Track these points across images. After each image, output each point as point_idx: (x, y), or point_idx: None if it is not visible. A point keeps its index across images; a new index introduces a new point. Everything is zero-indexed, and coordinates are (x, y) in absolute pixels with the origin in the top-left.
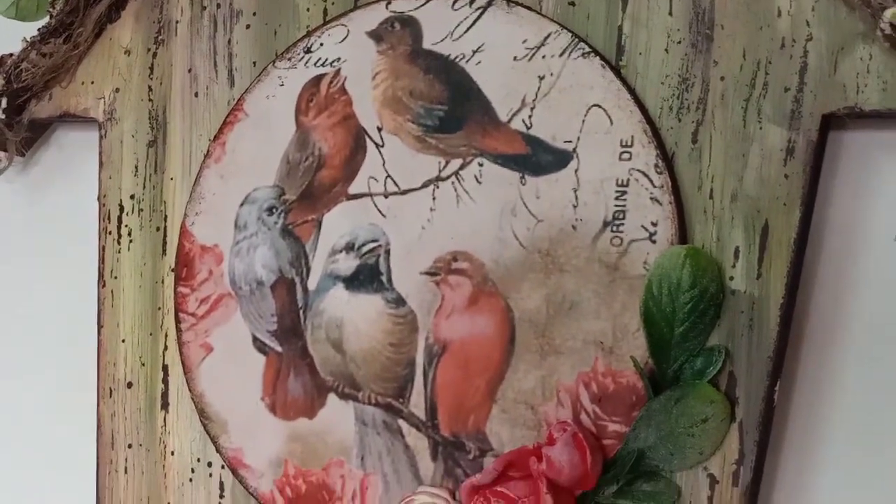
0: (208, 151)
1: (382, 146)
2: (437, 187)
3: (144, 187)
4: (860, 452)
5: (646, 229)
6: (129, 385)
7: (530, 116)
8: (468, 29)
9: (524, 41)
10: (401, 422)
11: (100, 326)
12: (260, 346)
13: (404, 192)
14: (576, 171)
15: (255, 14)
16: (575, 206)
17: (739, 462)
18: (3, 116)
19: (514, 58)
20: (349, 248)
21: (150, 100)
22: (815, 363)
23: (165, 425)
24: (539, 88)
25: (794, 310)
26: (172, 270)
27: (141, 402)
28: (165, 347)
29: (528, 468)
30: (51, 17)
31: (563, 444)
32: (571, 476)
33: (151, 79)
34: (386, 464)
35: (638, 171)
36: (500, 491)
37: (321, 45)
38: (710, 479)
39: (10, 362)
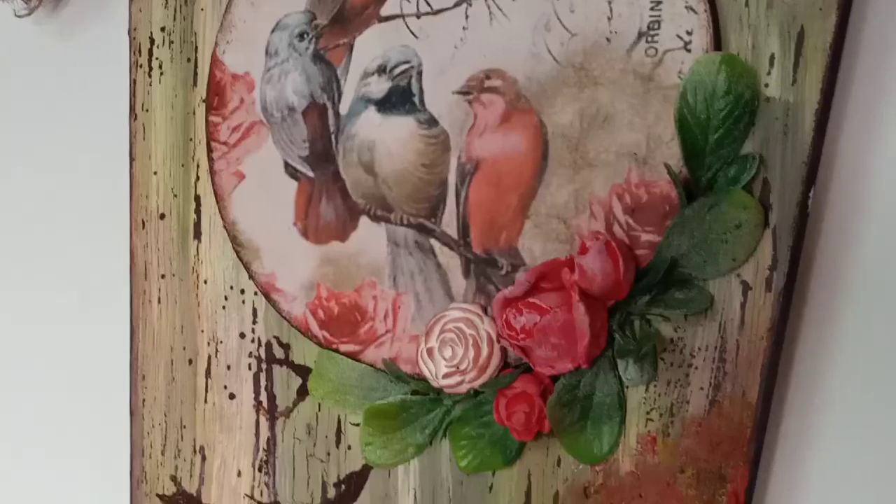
0: None
1: None
2: (470, 5)
3: (175, 19)
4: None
5: (681, 38)
6: (162, 216)
7: None
8: None
9: None
10: (433, 241)
11: (132, 159)
12: (292, 172)
13: (436, 12)
14: None
15: None
16: (609, 19)
17: (773, 268)
18: None
19: None
20: (381, 70)
21: None
22: (849, 172)
23: (198, 254)
24: None
25: (829, 116)
26: (203, 101)
27: (174, 233)
28: (197, 178)
29: (561, 279)
30: None
31: (595, 252)
32: (604, 285)
33: None
34: (418, 283)
35: None
36: (532, 302)
37: None
38: (742, 286)
39: (44, 198)
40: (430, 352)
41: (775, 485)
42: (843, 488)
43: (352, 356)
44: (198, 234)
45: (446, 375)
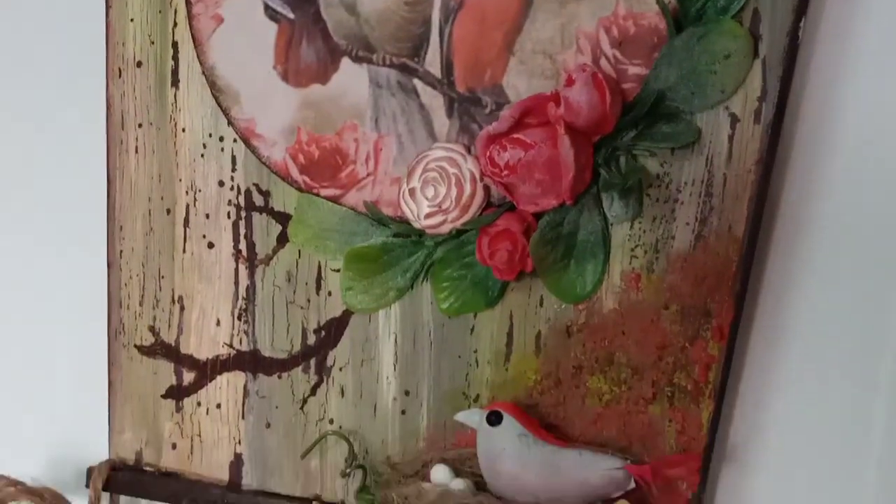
0: None
1: None
2: None
3: None
4: None
5: None
6: (139, 64)
7: None
8: None
9: None
10: (416, 81)
11: (108, 7)
12: (272, 14)
13: None
14: None
15: None
16: None
17: (762, 99)
18: None
19: None
20: None
21: None
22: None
23: (176, 102)
24: None
25: None
26: None
27: (151, 81)
28: (175, 24)
29: (546, 114)
30: None
31: (581, 84)
32: (590, 118)
33: None
34: (400, 124)
35: None
36: (516, 138)
37: None
38: (731, 118)
39: (17, 47)
40: (412, 192)
41: (760, 319)
42: (829, 323)
43: (333, 200)
44: (175, 82)
45: (428, 216)
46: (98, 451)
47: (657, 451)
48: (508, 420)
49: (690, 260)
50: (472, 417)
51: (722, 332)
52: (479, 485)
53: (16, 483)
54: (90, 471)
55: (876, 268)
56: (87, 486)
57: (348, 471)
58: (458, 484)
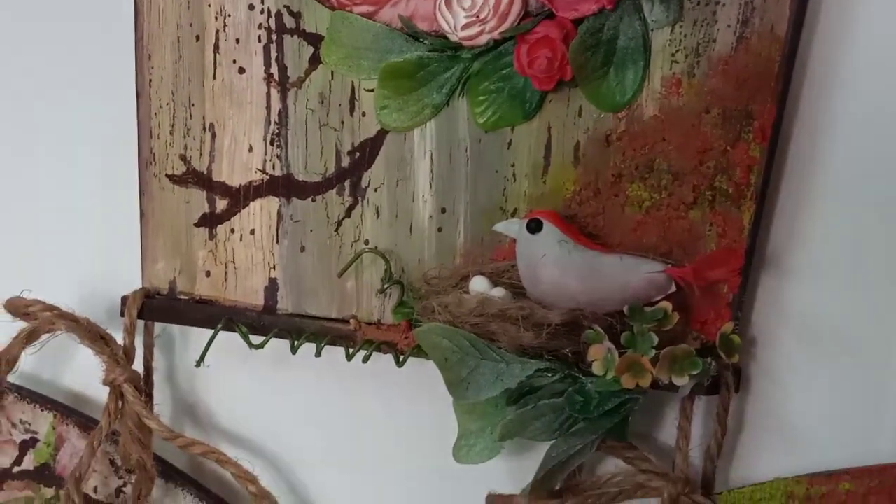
0: None
1: None
2: None
3: None
4: None
5: None
6: None
7: None
8: None
9: None
10: None
11: None
12: None
13: None
14: None
15: None
16: None
17: None
18: None
19: None
20: None
21: None
22: None
23: None
24: None
25: None
26: None
27: None
28: None
29: None
30: None
31: None
32: None
33: None
34: None
35: None
36: None
37: None
38: None
39: None
40: (448, 3)
41: (802, 119)
42: (868, 127)
43: (366, 17)
44: None
45: (465, 26)
46: (131, 283)
47: (698, 256)
48: (548, 226)
49: (732, 62)
50: (512, 227)
51: (764, 133)
52: (518, 294)
53: (51, 308)
54: (124, 299)
55: None
56: (122, 314)
57: (385, 286)
58: (498, 292)
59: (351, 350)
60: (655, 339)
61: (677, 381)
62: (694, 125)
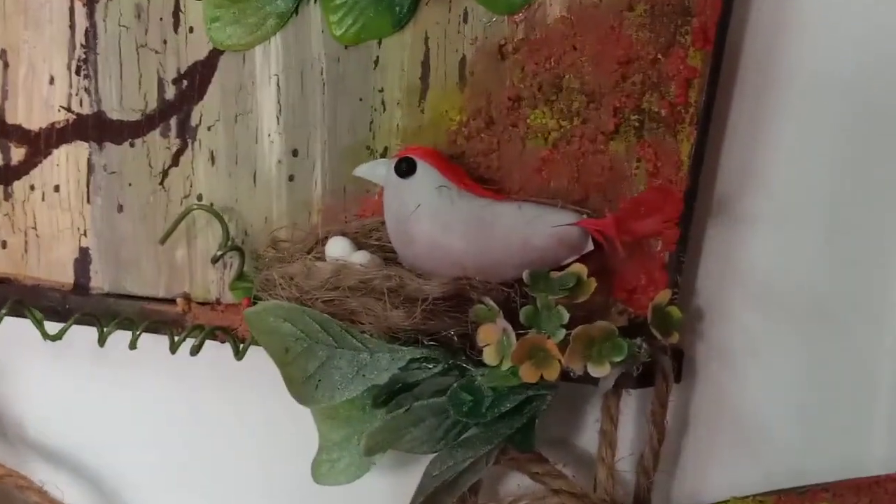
0: None
1: None
2: None
3: None
4: None
5: None
6: None
7: None
8: None
9: None
10: None
11: None
12: None
13: None
14: None
15: None
16: None
17: None
18: None
19: None
20: None
21: None
22: None
23: None
24: None
25: None
26: None
27: None
28: None
29: None
30: None
31: None
32: None
33: None
34: None
35: None
36: None
37: None
38: None
39: None
40: None
41: (756, 15)
42: (845, 22)
43: None
44: None
45: None
46: None
47: (622, 201)
48: (424, 168)
49: None
50: (377, 170)
51: (706, 35)
52: (389, 259)
53: None
54: None
55: None
56: None
57: (219, 254)
58: (361, 257)
59: (176, 338)
60: (566, 316)
61: (595, 371)
62: (613, 27)
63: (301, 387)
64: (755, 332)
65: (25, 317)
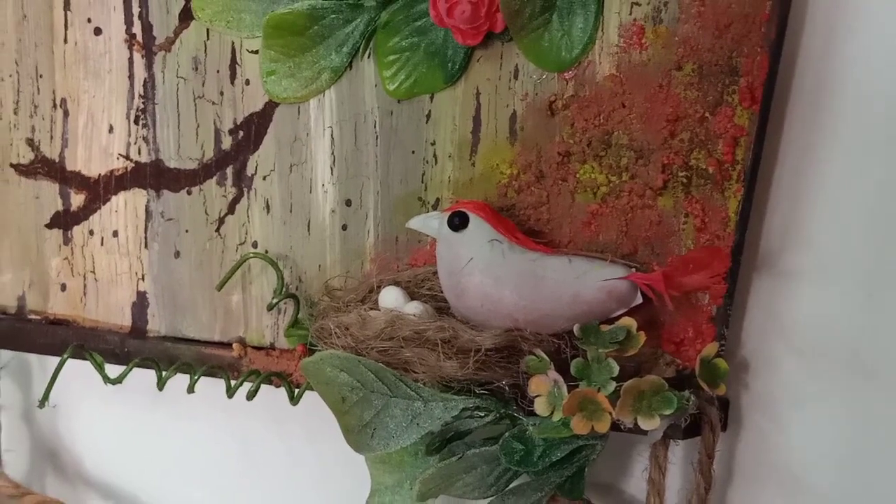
0: None
1: None
2: None
3: None
4: None
5: None
6: None
7: None
8: None
9: None
10: None
11: None
12: None
13: None
14: None
15: None
16: None
17: None
18: None
19: None
20: None
21: None
22: None
23: None
24: None
25: None
26: None
27: None
28: None
29: None
30: None
31: None
32: None
33: None
34: None
35: None
36: None
37: None
38: None
39: None
40: None
41: (802, 76)
42: (888, 82)
43: None
44: None
45: None
46: None
47: (670, 256)
48: (476, 222)
49: (709, 3)
50: (430, 223)
51: (753, 95)
52: (441, 309)
53: None
54: None
55: None
56: None
57: (275, 301)
58: (414, 308)
59: (233, 383)
60: (616, 369)
61: (645, 424)
62: (662, 86)
63: (357, 435)
64: (799, 384)
65: (86, 359)
